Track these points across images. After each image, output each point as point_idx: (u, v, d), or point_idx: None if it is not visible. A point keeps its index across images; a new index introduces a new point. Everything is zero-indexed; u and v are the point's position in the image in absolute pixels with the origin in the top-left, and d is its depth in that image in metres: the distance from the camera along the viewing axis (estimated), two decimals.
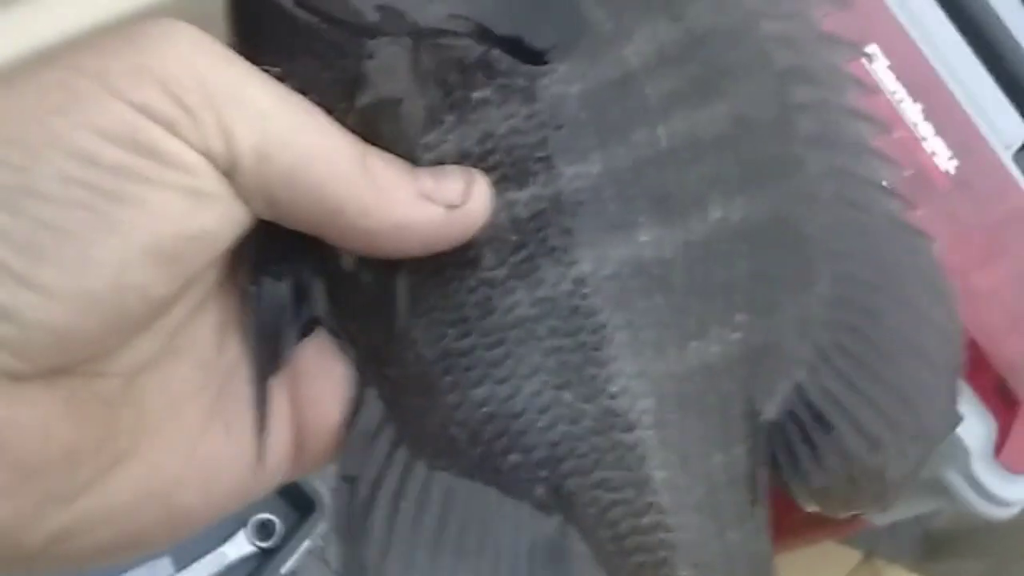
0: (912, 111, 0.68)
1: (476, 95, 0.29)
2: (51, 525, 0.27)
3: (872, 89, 0.32)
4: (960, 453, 0.68)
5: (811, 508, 0.33)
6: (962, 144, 0.69)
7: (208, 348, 0.30)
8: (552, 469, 0.31)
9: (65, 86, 0.25)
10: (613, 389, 0.31)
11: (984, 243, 0.68)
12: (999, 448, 0.68)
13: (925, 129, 0.68)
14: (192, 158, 0.26)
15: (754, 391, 0.32)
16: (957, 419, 0.34)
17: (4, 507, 0.26)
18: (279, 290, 0.31)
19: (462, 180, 0.29)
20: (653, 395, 0.31)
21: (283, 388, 0.31)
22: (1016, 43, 0.77)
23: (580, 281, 0.30)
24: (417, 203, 0.28)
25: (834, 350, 0.32)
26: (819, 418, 0.32)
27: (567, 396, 0.31)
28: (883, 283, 0.32)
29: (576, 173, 0.30)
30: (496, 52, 0.29)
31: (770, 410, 0.32)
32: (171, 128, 0.26)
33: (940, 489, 0.71)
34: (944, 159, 0.68)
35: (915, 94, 0.69)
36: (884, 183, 0.32)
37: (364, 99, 0.29)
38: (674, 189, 0.30)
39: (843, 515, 0.34)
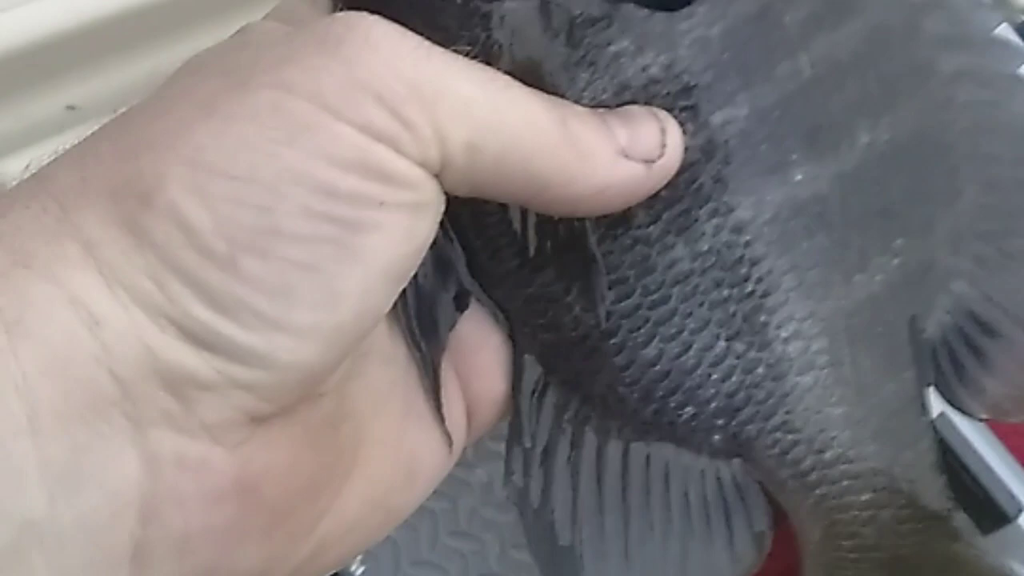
0: None
1: (612, 48, 0.29)
2: (297, 559, 0.27)
3: None
4: (1022, 542, 0.65)
5: (984, 416, 0.33)
6: None
7: (386, 342, 0.30)
8: (730, 417, 0.31)
9: (282, 110, 0.24)
10: (785, 335, 0.31)
11: None
12: None
13: None
14: (415, 173, 0.25)
15: (916, 311, 0.32)
16: None
17: (259, 552, 0.26)
18: (423, 270, 0.30)
19: (657, 128, 0.29)
20: (825, 335, 0.31)
21: (449, 365, 0.31)
22: None
23: (739, 229, 0.30)
24: (618, 164, 0.28)
25: (989, 255, 0.32)
26: (984, 325, 0.32)
27: (739, 346, 0.31)
28: None
29: (724, 118, 0.29)
30: (628, 2, 0.29)
31: (933, 327, 0.32)
32: (395, 146, 0.25)
33: None
34: None
35: None
36: (1016, 72, 0.31)
37: (501, 66, 0.28)
38: (822, 120, 0.30)
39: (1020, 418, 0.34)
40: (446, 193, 0.27)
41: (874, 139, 0.30)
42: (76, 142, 0.26)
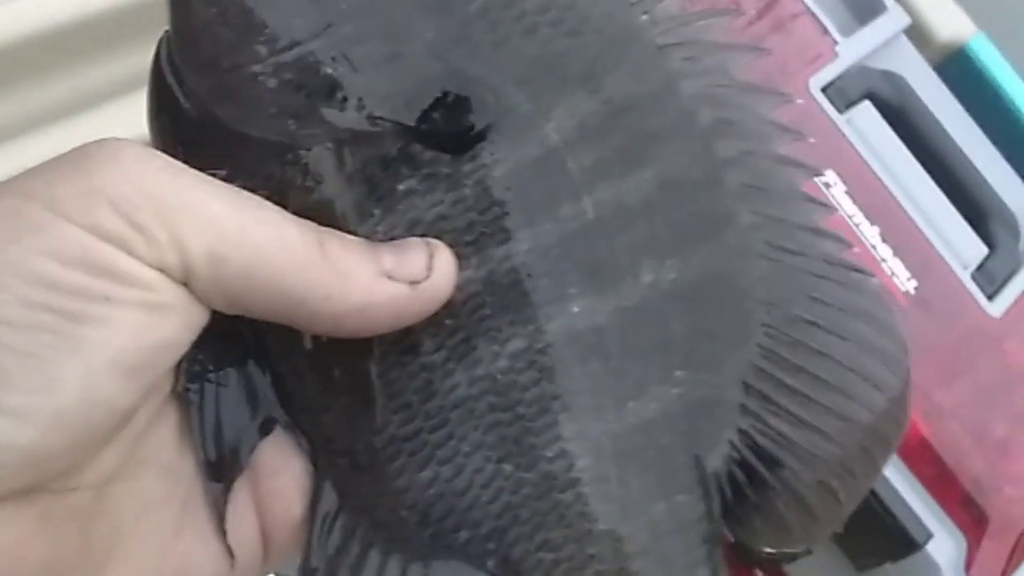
0: (870, 233, 0.70)
1: (401, 187, 0.30)
2: None
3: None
4: (931, 571, 0.68)
5: (769, 549, 0.34)
6: (921, 264, 0.71)
7: (171, 454, 0.31)
8: (499, 540, 0.32)
9: (18, 214, 0.26)
10: (550, 454, 0.32)
11: (945, 361, 0.70)
12: (969, 565, 0.68)
13: (884, 251, 0.71)
14: (148, 274, 0.27)
15: (697, 442, 0.33)
16: (903, 428, 0.34)
17: None
18: (228, 394, 0.31)
19: (424, 253, 0.30)
20: (590, 454, 0.32)
21: (246, 486, 0.31)
22: (969, 162, 0.78)
23: (515, 356, 0.31)
24: (380, 283, 0.29)
25: (776, 391, 0.33)
26: (766, 457, 0.33)
27: (507, 467, 0.31)
28: (821, 320, 0.33)
29: (505, 253, 0.31)
30: (417, 145, 0.30)
31: (716, 459, 0.33)
32: (124, 247, 0.26)
33: None
34: (903, 279, 0.71)
35: (872, 217, 0.71)
36: (818, 226, 0.33)
37: (295, 202, 0.29)
38: (604, 258, 0.31)
39: (803, 548, 0.35)
40: (204, 303, 0.28)
41: (659, 278, 0.32)
42: None
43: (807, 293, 0.33)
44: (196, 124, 0.30)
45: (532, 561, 0.32)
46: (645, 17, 0.32)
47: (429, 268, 0.30)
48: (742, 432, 0.33)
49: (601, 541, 0.32)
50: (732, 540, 0.34)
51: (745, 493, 0.33)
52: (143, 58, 0.30)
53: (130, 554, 0.29)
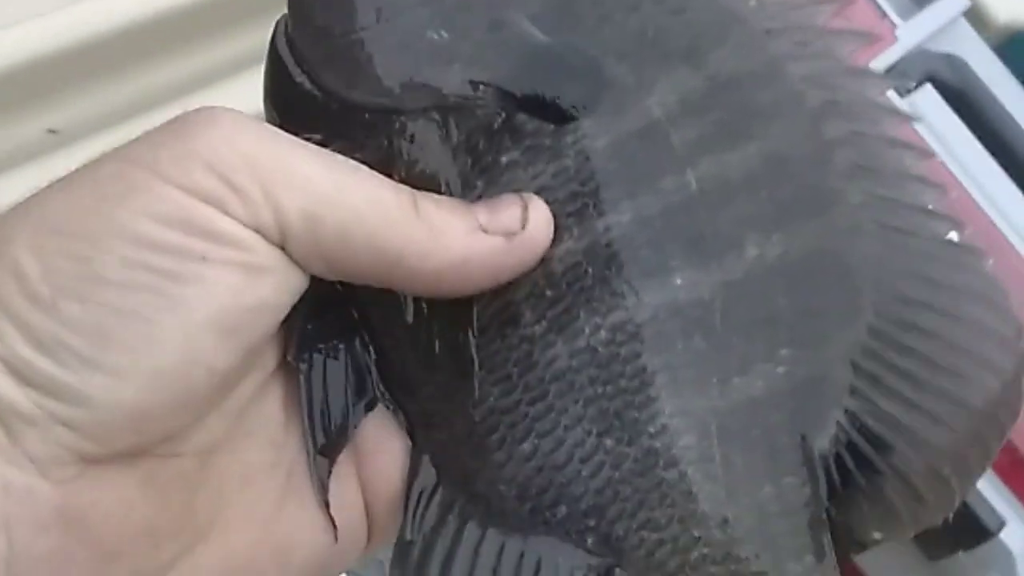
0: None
1: (504, 158, 0.30)
2: None
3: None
4: (1005, 557, 0.67)
5: (876, 534, 0.33)
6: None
7: (276, 426, 0.31)
8: (599, 516, 0.32)
9: (120, 177, 0.27)
10: (652, 429, 0.31)
11: None
12: None
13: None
14: (244, 234, 0.27)
15: (804, 422, 0.32)
16: (1017, 414, 0.33)
17: None
18: (335, 368, 0.32)
19: (518, 205, 0.30)
20: (694, 431, 0.31)
21: (350, 464, 0.32)
22: None
23: (616, 329, 0.31)
24: (475, 237, 0.29)
25: (886, 373, 0.32)
26: (875, 441, 0.32)
27: (609, 442, 0.31)
28: (933, 301, 0.32)
29: (607, 224, 0.31)
30: (521, 115, 0.30)
31: (823, 440, 0.32)
32: (222, 207, 0.27)
33: None
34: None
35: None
36: (929, 206, 0.32)
37: (400, 174, 0.30)
38: (707, 231, 0.31)
39: (911, 534, 0.34)
40: (303, 266, 0.28)
41: (764, 253, 0.31)
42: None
43: (918, 273, 0.32)
44: (308, 95, 0.31)
45: (635, 539, 0.32)
46: (752, 3, 0.32)
47: (524, 220, 0.30)
48: (850, 413, 0.32)
49: (707, 522, 0.32)
50: (839, 523, 0.33)
51: (853, 476, 0.32)
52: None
53: (232, 522, 0.30)
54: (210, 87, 0.60)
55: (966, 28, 0.83)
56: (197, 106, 0.29)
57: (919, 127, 0.70)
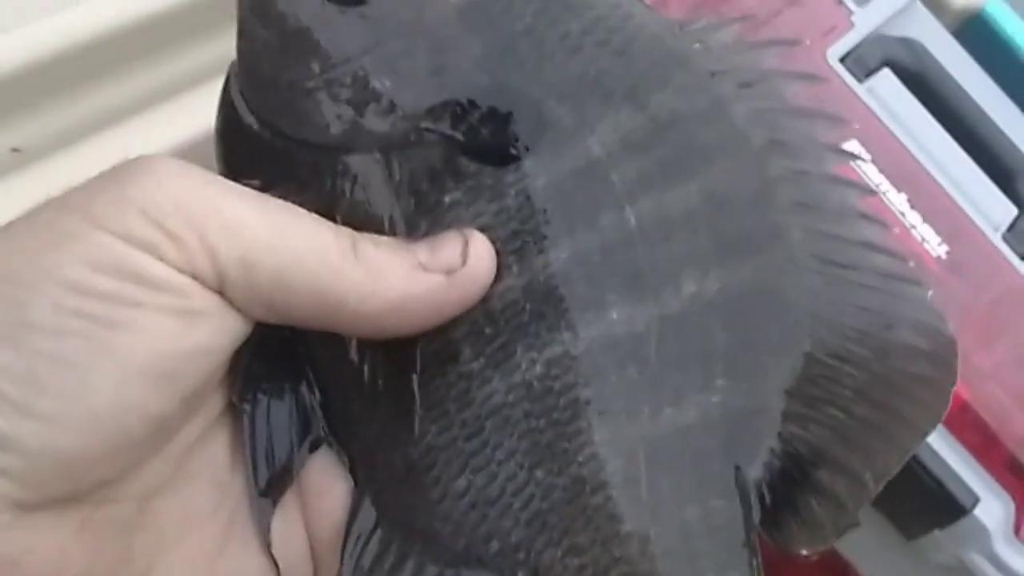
0: (898, 200, 0.70)
1: (447, 198, 0.31)
2: None
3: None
4: (980, 534, 0.67)
5: (805, 552, 0.34)
6: (951, 229, 0.71)
7: (221, 468, 0.31)
8: (528, 548, 0.32)
9: (54, 224, 0.27)
10: (581, 458, 0.31)
11: (983, 323, 0.70)
12: (1018, 526, 0.68)
13: (913, 217, 0.70)
14: (179, 280, 0.27)
15: (737, 449, 0.33)
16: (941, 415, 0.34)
17: None
18: (279, 408, 0.32)
19: (459, 242, 0.30)
20: (621, 456, 0.32)
21: (295, 503, 0.32)
22: (993, 124, 0.78)
23: (552, 363, 0.31)
24: (415, 276, 0.29)
25: (820, 403, 0.33)
26: (804, 466, 0.33)
27: (539, 473, 0.32)
28: (869, 333, 0.33)
29: (545, 261, 0.31)
30: (463, 156, 0.31)
31: (756, 467, 0.33)
32: (156, 253, 0.27)
33: (965, 572, 0.68)
34: (934, 245, 0.70)
35: (899, 184, 0.70)
36: (873, 241, 0.33)
37: (344, 213, 0.30)
38: (645, 267, 0.32)
39: (832, 542, 0.35)
40: (242, 311, 0.28)
41: (702, 288, 0.32)
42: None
43: (857, 305, 0.33)
44: (255, 137, 0.31)
45: (559, 568, 0.32)
46: (697, 45, 0.32)
47: (465, 255, 0.30)
48: (783, 438, 0.33)
49: (628, 543, 0.32)
50: (771, 543, 0.34)
51: (783, 499, 0.33)
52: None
53: (173, 567, 0.30)
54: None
55: (923, 12, 0.83)
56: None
57: (879, 110, 0.71)
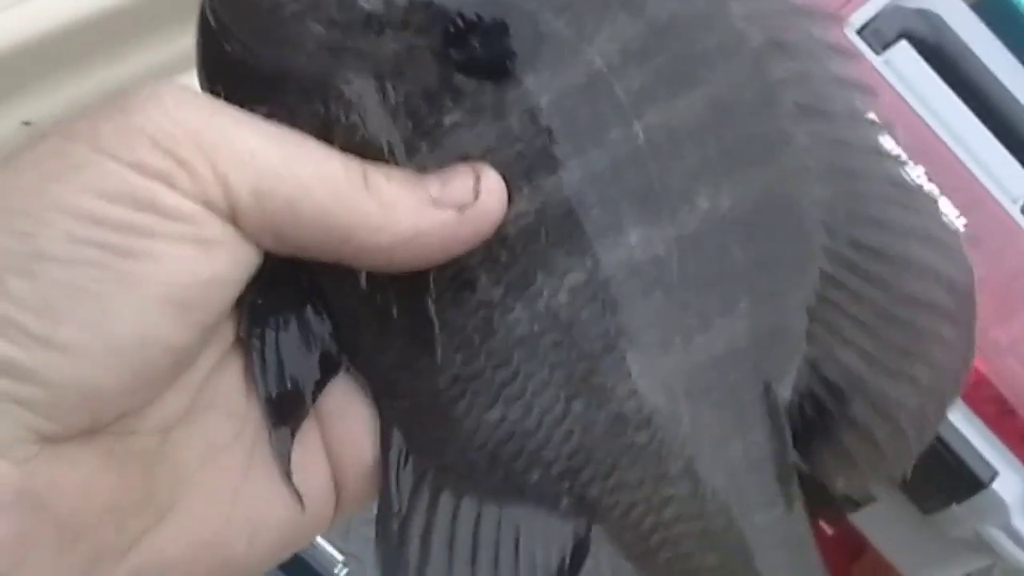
0: (915, 174, 0.65)
1: (447, 120, 0.30)
2: None
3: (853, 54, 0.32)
4: (998, 507, 0.67)
5: (839, 485, 0.34)
6: (969, 201, 0.70)
7: (237, 398, 0.31)
8: (573, 479, 0.32)
9: (60, 153, 0.26)
10: (621, 393, 0.31)
11: (1000, 297, 0.69)
12: None
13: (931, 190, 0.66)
14: (193, 208, 0.27)
15: (767, 374, 0.32)
16: (970, 362, 0.33)
17: (58, 566, 0.26)
18: (289, 340, 0.31)
19: (470, 178, 0.29)
20: (662, 392, 0.31)
21: (314, 431, 0.32)
22: (1011, 96, 0.77)
23: (575, 291, 0.30)
24: (427, 210, 0.29)
25: (842, 321, 0.32)
26: (833, 390, 0.32)
27: (578, 406, 0.31)
28: (884, 246, 0.32)
29: (556, 183, 0.30)
30: (460, 76, 0.30)
31: (785, 390, 0.32)
32: (168, 181, 0.26)
33: (983, 546, 0.68)
34: (952, 217, 0.63)
35: (917, 157, 0.65)
36: (880, 146, 0.32)
37: (341, 140, 0.29)
38: (657, 185, 0.30)
39: (871, 486, 0.34)
40: (253, 241, 0.28)
41: (716, 204, 0.31)
42: None
43: (870, 217, 0.32)
44: (241, 67, 0.30)
45: (609, 501, 0.32)
46: None
47: (476, 191, 0.29)
48: (809, 362, 0.32)
49: (678, 482, 0.32)
50: (805, 473, 0.33)
51: (814, 426, 0.32)
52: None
53: (196, 497, 0.30)
54: (189, 72, 0.60)
55: None
56: None
57: (896, 83, 0.70)
